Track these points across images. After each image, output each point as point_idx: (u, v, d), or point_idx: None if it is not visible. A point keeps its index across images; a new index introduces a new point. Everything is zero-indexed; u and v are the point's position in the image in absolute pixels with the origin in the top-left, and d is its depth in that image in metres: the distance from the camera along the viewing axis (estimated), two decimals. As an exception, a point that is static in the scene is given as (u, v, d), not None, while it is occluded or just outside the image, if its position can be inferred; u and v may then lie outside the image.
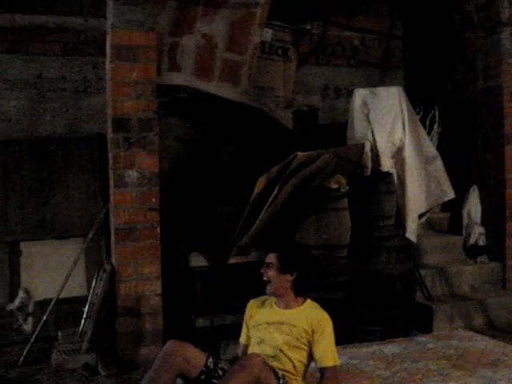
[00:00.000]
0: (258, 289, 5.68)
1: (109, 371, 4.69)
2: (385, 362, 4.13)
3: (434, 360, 4.12)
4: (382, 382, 3.77)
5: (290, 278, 3.43)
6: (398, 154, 5.39)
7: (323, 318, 3.39)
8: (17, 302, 5.47)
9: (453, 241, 6.39)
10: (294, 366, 3.38)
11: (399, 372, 3.92)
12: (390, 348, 4.44)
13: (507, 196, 6.08)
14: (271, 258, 3.45)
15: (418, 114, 5.93)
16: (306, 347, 3.37)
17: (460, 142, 6.48)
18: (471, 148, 6.46)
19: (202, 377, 3.29)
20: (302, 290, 3.50)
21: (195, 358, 3.31)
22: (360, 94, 5.55)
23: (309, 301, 3.51)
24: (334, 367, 3.36)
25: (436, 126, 6.25)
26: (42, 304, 5.51)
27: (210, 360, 3.35)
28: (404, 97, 5.47)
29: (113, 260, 5.04)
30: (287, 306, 3.48)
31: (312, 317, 3.38)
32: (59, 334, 5.31)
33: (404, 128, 5.37)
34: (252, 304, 3.65)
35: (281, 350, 3.36)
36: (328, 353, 3.34)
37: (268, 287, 3.47)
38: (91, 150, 6.02)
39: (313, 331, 3.34)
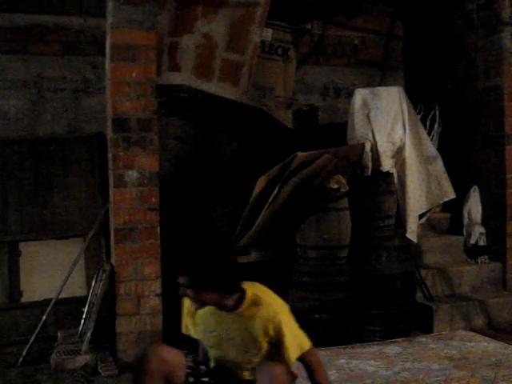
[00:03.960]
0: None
1: (109, 371, 4.68)
2: (386, 362, 4.14)
3: (435, 360, 4.12)
4: (383, 382, 3.77)
5: (213, 294, 2.91)
6: (399, 154, 5.39)
7: (274, 314, 2.90)
8: None
9: (453, 241, 6.37)
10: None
11: (401, 372, 3.92)
12: (391, 348, 4.45)
13: (508, 196, 6.06)
14: (182, 279, 2.90)
15: (418, 113, 5.93)
16: (268, 344, 2.96)
17: (460, 142, 6.47)
18: (472, 148, 6.46)
19: (191, 379, 3.07)
20: (234, 289, 2.97)
21: (174, 357, 3.02)
22: (360, 94, 5.55)
23: (249, 292, 2.97)
24: (308, 352, 2.99)
25: (436, 126, 6.23)
26: (42, 304, 5.51)
27: (189, 359, 3.15)
28: (404, 97, 5.48)
29: (112, 260, 5.03)
30: (228, 309, 2.99)
31: (263, 319, 2.91)
32: (59, 334, 5.30)
33: (404, 128, 5.38)
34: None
35: (242, 367, 3.04)
36: (294, 346, 2.93)
37: (193, 304, 2.99)
38: (91, 150, 6.00)
39: (271, 334, 2.91)
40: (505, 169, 6.06)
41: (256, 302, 2.95)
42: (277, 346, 2.93)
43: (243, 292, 2.97)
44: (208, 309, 3.02)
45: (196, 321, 3.15)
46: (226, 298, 2.93)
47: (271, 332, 2.90)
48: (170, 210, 5.42)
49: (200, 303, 2.94)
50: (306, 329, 5.05)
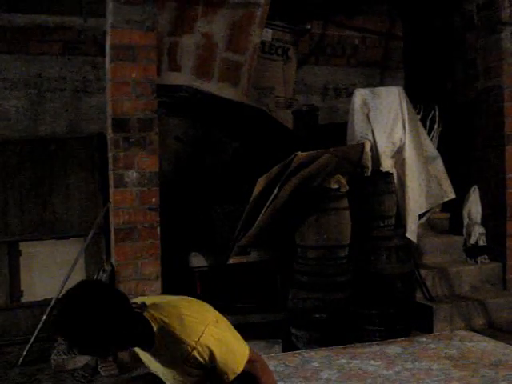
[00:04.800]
0: (259, 289, 5.68)
1: (109, 371, 4.67)
2: (386, 362, 4.13)
3: (435, 360, 4.12)
4: (384, 382, 3.77)
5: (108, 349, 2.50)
6: (398, 154, 5.39)
7: (189, 351, 2.49)
8: None
9: (453, 241, 6.38)
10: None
11: (401, 372, 3.92)
12: (392, 348, 4.44)
13: (508, 196, 6.06)
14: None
15: (418, 113, 5.93)
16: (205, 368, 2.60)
17: (460, 142, 6.47)
18: (471, 148, 6.46)
19: None
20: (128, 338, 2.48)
21: None
22: (360, 94, 5.55)
23: (155, 326, 2.51)
24: (246, 366, 2.62)
25: (436, 126, 6.24)
26: (42, 304, 5.51)
27: None
28: (404, 97, 5.47)
29: (113, 260, 5.03)
30: (142, 348, 2.61)
31: (181, 356, 2.52)
32: (59, 334, 5.30)
33: (404, 128, 5.37)
34: None
35: None
36: (226, 372, 2.58)
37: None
38: (91, 150, 6.00)
39: (197, 366, 2.56)
40: (505, 169, 6.07)
41: (166, 337, 2.51)
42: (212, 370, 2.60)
43: (148, 326, 2.51)
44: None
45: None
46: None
47: (196, 365, 2.56)
48: (170, 210, 5.42)
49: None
50: (306, 329, 5.07)
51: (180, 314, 2.53)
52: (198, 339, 2.48)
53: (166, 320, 2.51)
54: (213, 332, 2.54)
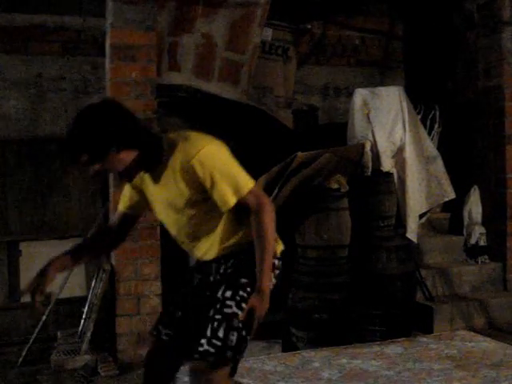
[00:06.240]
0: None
1: (108, 372, 4.67)
2: (388, 362, 4.13)
3: (436, 360, 4.12)
4: (386, 382, 3.77)
5: (117, 154, 2.52)
6: (399, 154, 5.39)
7: (190, 157, 2.50)
8: None
9: (453, 241, 6.37)
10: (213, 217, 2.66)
11: (403, 372, 3.92)
12: (392, 348, 4.44)
13: (508, 196, 6.05)
14: (81, 158, 2.51)
15: (418, 113, 5.93)
16: (200, 194, 2.57)
17: (460, 142, 6.47)
18: (472, 148, 6.46)
19: None
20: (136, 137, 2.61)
21: None
22: (360, 94, 5.55)
23: (165, 142, 2.62)
24: (246, 196, 2.55)
25: (436, 126, 6.24)
26: (42, 304, 5.48)
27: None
28: (404, 97, 5.48)
29: (112, 260, 5.02)
30: (150, 168, 2.65)
31: (181, 165, 2.53)
32: (59, 334, 5.30)
33: (404, 128, 5.38)
34: None
35: (193, 229, 2.69)
36: (227, 192, 2.52)
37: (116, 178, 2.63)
38: (91, 149, 6.00)
39: (195, 181, 2.54)
40: (505, 169, 6.06)
41: (171, 151, 2.57)
42: (211, 193, 2.55)
43: (157, 139, 2.64)
44: (142, 179, 2.70)
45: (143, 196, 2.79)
46: (132, 153, 2.56)
47: (195, 184, 2.54)
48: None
49: (120, 173, 2.59)
50: (306, 329, 5.06)
51: (187, 134, 2.63)
52: (199, 151, 2.50)
53: (172, 136, 2.62)
54: (215, 149, 2.56)
